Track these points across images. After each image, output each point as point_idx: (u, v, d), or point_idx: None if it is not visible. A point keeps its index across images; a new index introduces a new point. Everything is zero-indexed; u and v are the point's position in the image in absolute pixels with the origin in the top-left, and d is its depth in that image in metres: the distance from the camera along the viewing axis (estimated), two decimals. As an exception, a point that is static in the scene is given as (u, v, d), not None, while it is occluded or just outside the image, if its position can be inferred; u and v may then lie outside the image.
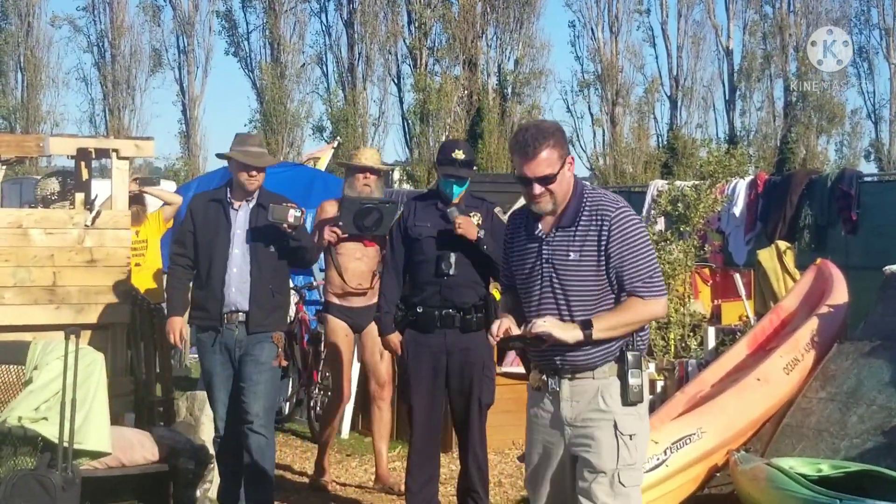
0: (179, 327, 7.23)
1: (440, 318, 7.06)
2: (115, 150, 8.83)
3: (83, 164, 8.98)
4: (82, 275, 8.43)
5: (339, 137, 34.69)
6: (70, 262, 8.40)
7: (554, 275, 4.73)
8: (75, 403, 6.44)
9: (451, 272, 7.02)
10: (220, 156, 7.24)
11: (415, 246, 7.21)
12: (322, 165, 17.92)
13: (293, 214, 6.86)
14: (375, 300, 8.49)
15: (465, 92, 42.45)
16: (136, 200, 10.31)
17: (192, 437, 8.33)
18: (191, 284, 7.36)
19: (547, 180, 4.62)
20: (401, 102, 45.57)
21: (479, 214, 7.27)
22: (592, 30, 47.17)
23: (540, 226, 4.77)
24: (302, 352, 11.62)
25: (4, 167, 9.25)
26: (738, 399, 9.37)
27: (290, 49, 44.34)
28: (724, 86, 48.52)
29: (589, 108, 47.52)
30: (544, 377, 4.81)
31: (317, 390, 11.26)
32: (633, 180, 36.67)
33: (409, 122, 43.48)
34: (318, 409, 11.22)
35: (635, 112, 46.19)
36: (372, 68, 45.31)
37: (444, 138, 40.69)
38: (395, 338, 7.29)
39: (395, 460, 9.76)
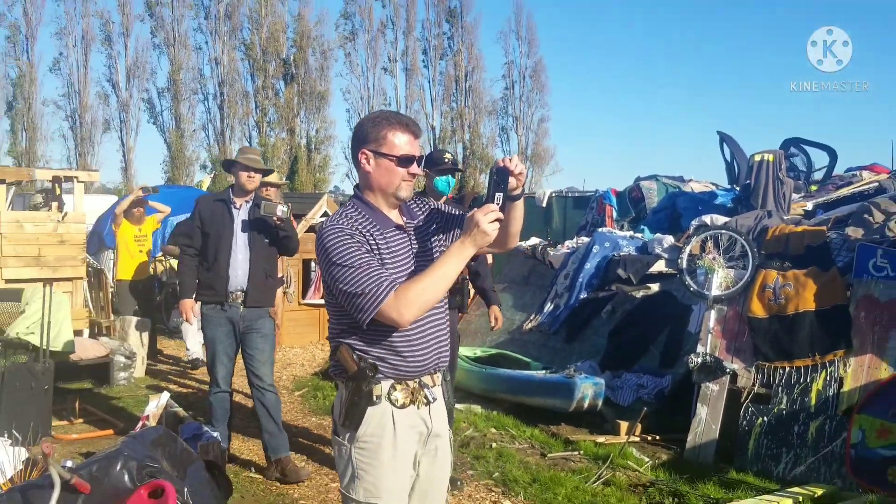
0: (191, 307, 5.66)
1: None
2: (75, 178, 9.00)
3: (57, 185, 8.94)
4: (56, 249, 8.39)
5: None
6: (48, 242, 8.38)
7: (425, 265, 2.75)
8: (50, 324, 6.47)
9: None
10: (225, 163, 5.89)
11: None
12: None
13: (281, 209, 5.44)
14: None
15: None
16: (139, 205, 9.66)
17: (123, 343, 8.53)
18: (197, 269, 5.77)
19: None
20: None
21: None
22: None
23: (392, 218, 2.80)
24: None
25: (14, 187, 9.19)
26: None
27: None
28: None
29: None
30: (419, 385, 2.76)
31: None
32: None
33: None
34: None
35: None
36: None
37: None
38: None
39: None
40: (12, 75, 38.01)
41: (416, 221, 2.87)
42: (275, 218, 5.45)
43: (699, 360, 6.36)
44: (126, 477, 3.25)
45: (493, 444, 6.28)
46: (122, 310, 9.44)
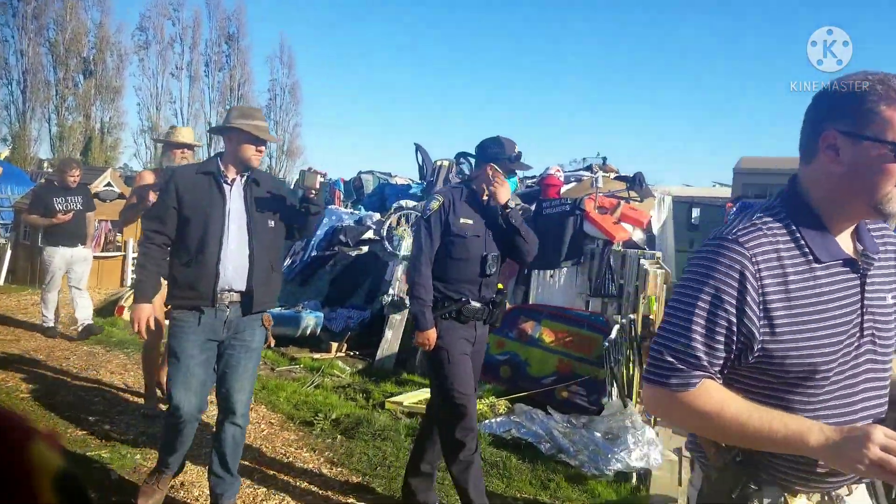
0: (147, 316, 3.05)
1: (476, 311, 3.25)
2: None
3: None
4: None
5: None
6: None
7: (875, 333, 1.25)
8: None
9: (492, 272, 3.27)
10: (216, 129, 3.28)
11: (456, 242, 3.19)
12: None
13: (319, 180, 3.26)
14: None
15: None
16: None
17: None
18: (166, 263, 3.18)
19: None
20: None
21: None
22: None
23: (842, 246, 1.25)
24: None
25: None
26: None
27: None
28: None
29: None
30: (830, 499, 1.29)
31: None
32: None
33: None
34: None
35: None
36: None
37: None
38: (433, 334, 3.16)
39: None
40: None
41: (875, 256, 1.31)
42: (313, 191, 3.24)
43: (389, 298, 6.57)
44: None
45: (237, 362, 6.04)
46: None
